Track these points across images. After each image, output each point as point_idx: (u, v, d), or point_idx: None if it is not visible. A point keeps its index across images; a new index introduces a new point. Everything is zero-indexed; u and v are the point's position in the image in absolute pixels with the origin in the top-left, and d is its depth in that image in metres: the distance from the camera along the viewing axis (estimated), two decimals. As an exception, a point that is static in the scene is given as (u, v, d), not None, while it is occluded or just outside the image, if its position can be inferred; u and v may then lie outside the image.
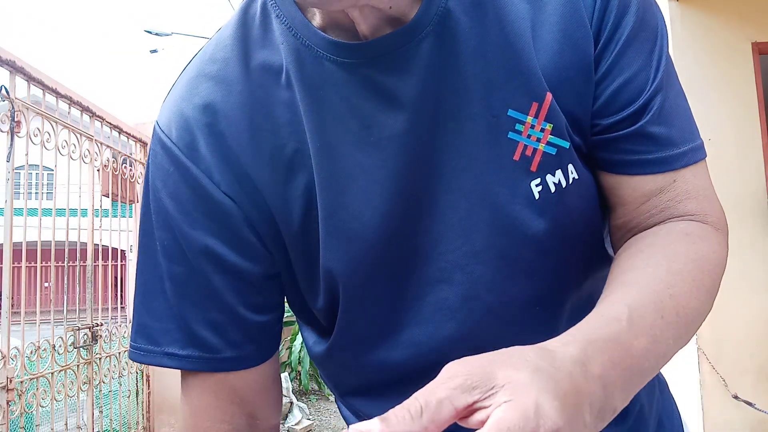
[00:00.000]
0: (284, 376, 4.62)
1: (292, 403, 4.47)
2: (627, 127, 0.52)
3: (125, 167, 3.43)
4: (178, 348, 0.55)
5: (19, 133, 2.39)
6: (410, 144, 0.51)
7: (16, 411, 2.33)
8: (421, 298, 0.54)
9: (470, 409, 0.32)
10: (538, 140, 0.52)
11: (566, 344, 0.38)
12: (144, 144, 3.70)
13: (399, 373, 0.57)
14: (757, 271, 2.85)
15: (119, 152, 3.37)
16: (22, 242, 2.42)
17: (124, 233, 3.48)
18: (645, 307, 0.43)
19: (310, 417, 4.54)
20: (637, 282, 0.47)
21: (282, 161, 0.52)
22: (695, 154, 0.53)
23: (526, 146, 0.52)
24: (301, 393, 5.21)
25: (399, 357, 0.56)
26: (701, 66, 2.93)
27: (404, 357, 0.56)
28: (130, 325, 3.42)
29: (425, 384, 0.59)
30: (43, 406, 2.57)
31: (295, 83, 0.51)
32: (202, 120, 0.53)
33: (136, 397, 3.52)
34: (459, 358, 0.56)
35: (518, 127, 0.52)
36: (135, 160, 3.60)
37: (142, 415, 3.56)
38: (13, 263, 2.40)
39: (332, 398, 5.25)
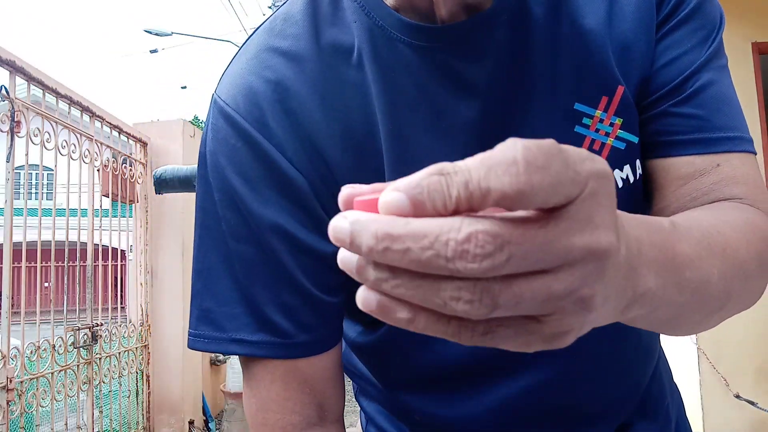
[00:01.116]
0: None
1: (292, 403, 4.46)
2: (658, 107, 0.51)
3: (125, 167, 3.43)
4: (247, 333, 0.51)
5: (19, 133, 2.39)
6: (480, 132, 0.50)
7: (16, 411, 2.33)
8: None
9: None
10: (607, 134, 0.51)
11: None
12: (144, 144, 3.70)
13: (454, 370, 0.56)
14: (757, 271, 2.84)
15: (119, 152, 3.37)
16: (22, 242, 2.42)
17: (124, 233, 3.48)
18: (689, 229, 0.39)
19: (310, 417, 4.54)
20: (680, 217, 0.43)
21: (352, 143, 0.51)
22: (743, 143, 0.51)
23: (593, 140, 0.51)
24: (301, 393, 5.20)
25: (455, 353, 0.55)
26: (701, 66, 2.93)
27: (461, 353, 0.55)
28: (129, 325, 3.44)
29: (482, 381, 0.57)
30: (43, 406, 2.57)
31: (367, 65, 0.50)
32: (273, 96, 0.51)
33: (136, 397, 3.51)
34: (517, 355, 0.55)
35: (586, 121, 0.51)
36: (135, 160, 3.60)
37: (142, 415, 3.56)
38: (13, 263, 2.40)
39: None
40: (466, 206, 0.23)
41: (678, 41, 0.51)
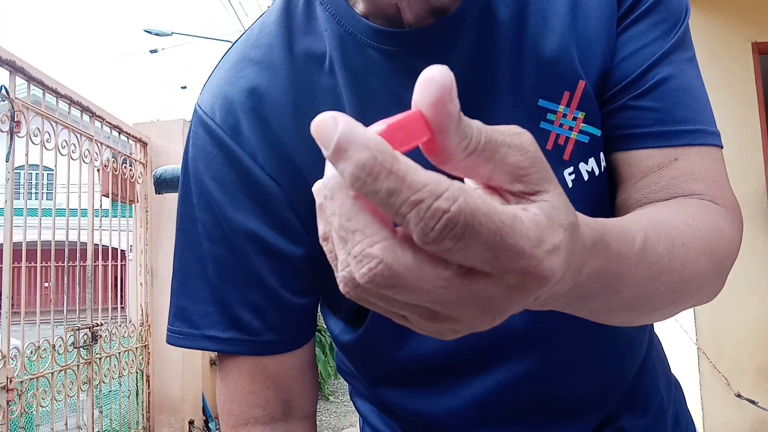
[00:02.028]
0: (284, 376, 4.61)
1: (292, 403, 4.47)
2: (618, 101, 0.52)
3: (125, 167, 3.43)
4: (219, 331, 0.54)
5: (19, 133, 2.39)
6: None
7: (16, 411, 2.33)
8: None
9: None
10: (571, 129, 0.52)
11: (587, 225, 0.32)
12: (144, 144, 3.70)
13: (432, 365, 0.57)
14: (757, 271, 2.85)
15: (119, 152, 3.37)
16: (22, 242, 2.42)
17: (124, 233, 3.48)
18: (658, 241, 0.39)
19: (310, 417, 4.54)
20: (655, 218, 0.43)
21: None
22: (703, 136, 0.51)
23: (558, 135, 0.52)
24: (301, 393, 5.21)
25: (432, 348, 0.56)
26: (701, 66, 2.93)
27: (438, 348, 0.56)
28: (129, 325, 3.44)
29: (459, 376, 0.58)
30: (43, 406, 2.57)
31: (338, 70, 0.52)
32: (247, 104, 0.53)
33: (136, 397, 3.52)
34: (493, 349, 0.55)
35: (550, 116, 0.52)
36: (135, 160, 3.60)
37: (142, 415, 3.56)
38: (13, 263, 2.40)
39: (332, 398, 5.25)
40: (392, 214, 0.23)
41: (638, 34, 0.52)
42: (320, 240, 0.28)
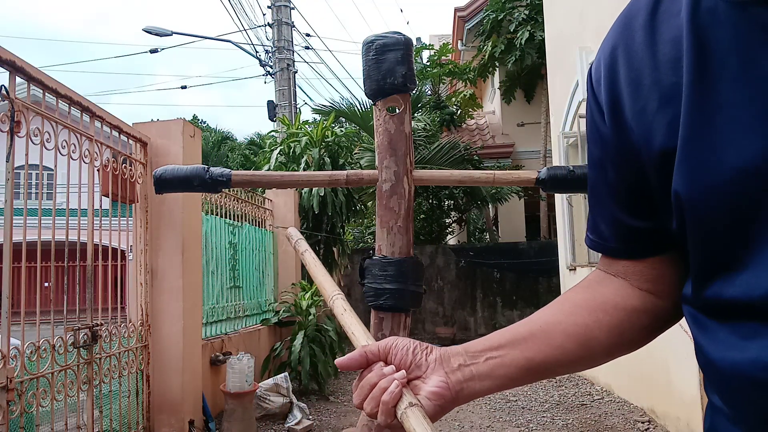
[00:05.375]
0: (284, 376, 4.61)
1: (292, 403, 4.47)
2: None
3: (125, 167, 3.43)
4: (590, 232, 0.75)
5: (19, 133, 2.39)
6: None
7: (16, 411, 2.33)
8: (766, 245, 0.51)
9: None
10: None
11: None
12: (144, 144, 3.70)
13: (731, 310, 0.54)
14: (757, 271, 2.83)
15: (119, 152, 3.37)
16: (22, 242, 2.42)
17: (124, 233, 3.48)
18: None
19: (310, 417, 4.54)
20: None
21: (656, 93, 0.59)
22: None
23: None
24: (301, 393, 5.20)
25: (733, 294, 0.53)
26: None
27: (737, 295, 0.53)
28: (130, 325, 3.44)
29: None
30: (43, 406, 2.57)
31: (685, 21, 0.55)
32: (607, 61, 0.66)
33: (136, 397, 3.52)
34: None
35: None
36: (135, 160, 3.60)
37: (142, 415, 3.56)
38: (13, 263, 2.40)
39: (332, 398, 5.25)
40: None
41: None
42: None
